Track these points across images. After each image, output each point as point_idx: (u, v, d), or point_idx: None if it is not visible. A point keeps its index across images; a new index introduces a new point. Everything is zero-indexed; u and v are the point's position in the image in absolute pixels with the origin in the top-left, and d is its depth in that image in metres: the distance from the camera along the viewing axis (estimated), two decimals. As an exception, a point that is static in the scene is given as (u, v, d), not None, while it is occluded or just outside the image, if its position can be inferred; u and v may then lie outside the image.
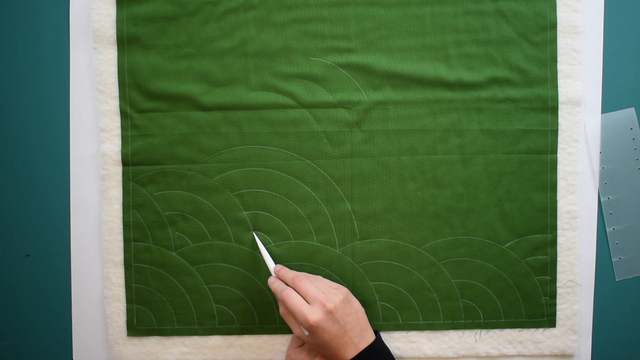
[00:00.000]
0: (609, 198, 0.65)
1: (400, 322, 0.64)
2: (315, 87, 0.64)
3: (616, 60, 0.65)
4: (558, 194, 0.64)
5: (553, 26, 0.63)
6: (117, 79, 0.64)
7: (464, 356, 0.65)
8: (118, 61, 0.64)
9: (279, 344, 0.65)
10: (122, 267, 0.64)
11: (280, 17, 0.63)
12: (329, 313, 0.55)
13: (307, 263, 0.64)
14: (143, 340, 0.65)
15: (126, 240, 0.64)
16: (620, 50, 0.65)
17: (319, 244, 0.64)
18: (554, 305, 0.64)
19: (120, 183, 0.64)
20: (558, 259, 0.64)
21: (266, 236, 0.64)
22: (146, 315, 0.65)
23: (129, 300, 0.64)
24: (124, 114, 0.64)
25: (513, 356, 0.65)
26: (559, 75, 0.64)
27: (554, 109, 0.64)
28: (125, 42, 0.63)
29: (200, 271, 0.64)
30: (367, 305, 0.64)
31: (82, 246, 0.65)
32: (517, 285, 0.64)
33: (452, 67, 0.63)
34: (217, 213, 0.64)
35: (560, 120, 0.64)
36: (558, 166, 0.64)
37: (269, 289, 0.62)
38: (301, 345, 0.61)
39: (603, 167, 0.65)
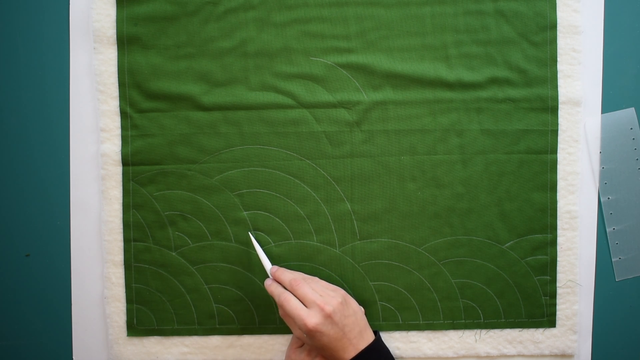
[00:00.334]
0: (609, 198, 0.65)
1: (400, 322, 0.64)
2: (315, 87, 0.64)
3: (616, 60, 0.65)
4: (558, 194, 0.64)
5: (553, 26, 0.63)
6: (117, 79, 0.64)
7: (464, 356, 0.65)
8: (118, 61, 0.64)
9: (279, 344, 0.65)
10: (122, 267, 0.64)
11: (280, 17, 0.63)
12: (328, 317, 0.55)
13: (307, 263, 0.64)
14: (143, 340, 0.65)
15: (126, 240, 0.64)
16: (620, 50, 0.65)
17: (319, 244, 0.64)
18: (554, 305, 0.64)
19: (120, 183, 0.64)
20: (558, 259, 0.64)
21: (266, 236, 0.64)
22: (146, 315, 0.65)
23: (129, 300, 0.64)
24: (124, 114, 0.64)
25: (513, 356, 0.65)
26: (559, 75, 0.64)
27: (554, 109, 0.64)
28: (125, 42, 0.63)
29: (200, 271, 0.64)
30: (367, 305, 0.64)
31: (82, 246, 0.65)
32: (517, 285, 0.64)
33: (452, 67, 0.63)
34: (217, 213, 0.64)
35: (560, 120, 0.64)
36: (558, 166, 0.64)
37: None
38: (301, 346, 0.61)
39: (603, 167, 0.65)
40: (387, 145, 0.64)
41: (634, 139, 0.65)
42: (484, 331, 0.65)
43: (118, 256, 0.64)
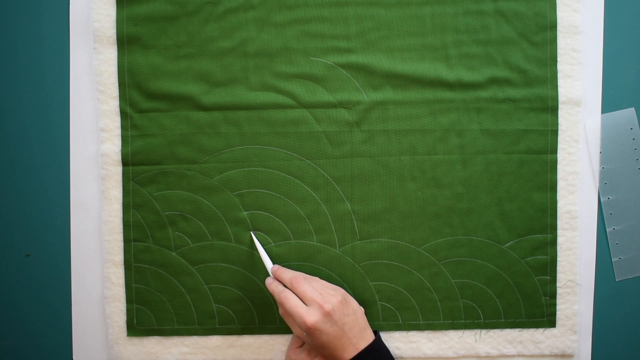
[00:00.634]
0: (609, 198, 0.65)
1: (400, 322, 0.64)
2: (315, 87, 0.64)
3: (616, 60, 0.65)
4: (558, 194, 0.64)
5: (553, 26, 0.63)
6: (117, 79, 0.64)
7: (464, 356, 0.65)
8: (118, 61, 0.64)
9: (279, 344, 0.65)
10: (122, 267, 0.64)
11: (280, 17, 0.63)
12: (327, 315, 0.55)
13: (307, 263, 0.64)
14: (143, 340, 0.65)
15: (126, 240, 0.64)
16: (620, 50, 0.65)
17: (319, 244, 0.64)
18: (554, 305, 0.64)
19: (120, 183, 0.64)
20: (558, 259, 0.64)
21: (266, 236, 0.64)
22: (146, 315, 0.65)
23: (129, 300, 0.64)
24: (124, 114, 0.64)
25: (513, 356, 0.65)
26: (559, 75, 0.64)
27: (554, 109, 0.64)
28: (125, 42, 0.63)
29: (200, 271, 0.64)
30: (367, 305, 0.64)
31: (82, 246, 0.65)
32: (517, 285, 0.64)
33: (452, 67, 0.63)
34: (217, 213, 0.64)
35: (560, 120, 0.64)
36: (558, 166, 0.64)
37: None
38: (301, 346, 0.61)
39: (603, 167, 0.65)
40: (387, 145, 0.64)
41: (634, 139, 0.65)
42: (484, 331, 0.65)
43: (118, 256, 0.64)
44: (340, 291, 0.59)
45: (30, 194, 0.65)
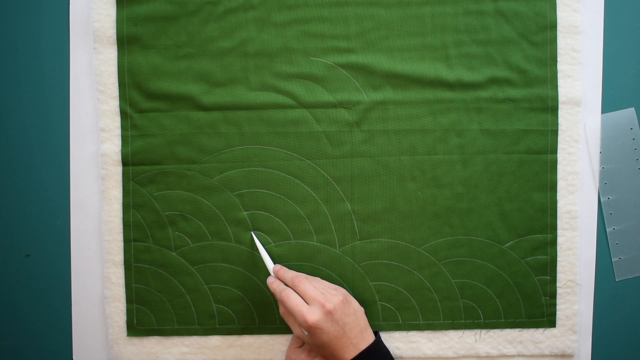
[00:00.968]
0: (609, 198, 0.65)
1: (400, 322, 0.64)
2: (315, 87, 0.64)
3: (616, 60, 0.65)
4: (558, 194, 0.64)
5: (553, 26, 0.63)
6: (117, 79, 0.64)
7: (464, 356, 0.65)
8: (118, 61, 0.64)
9: (279, 344, 0.65)
10: (122, 267, 0.64)
11: (280, 17, 0.63)
12: (328, 314, 0.55)
13: (307, 263, 0.64)
14: (143, 340, 0.65)
15: (126, 240, 0.64)
16: (620, 50, 0.65)
17: (319, 244, 0.64)
18: (554, 305, 0.64)
19: (120, 183, 0.64)
20: (558, 259, 0.64)
21: (266, 236, 0.64)
22: (146, 315, 0.65)
23: (129, 300, 0.64)
24: (124, 114, 0.64)
25: (513, 356, 0.65)
26: (559, 75, 0.64)
27: (554, 109, 0.64)
28: (125, 42, 0.63)
29: (200, 271, 0.64)
30: (367, 305, 0.64)
31: (82, 246, 0.65)
32: (517, 285, 0.64)
33: (452, 67, 0.63)
34: (217, 213, 0.64)
35: (560, 120, 0.64)
36: (558, 166, 0.64)
37: (269, 289, 0.62)
38: (301, 346, 0.61)
39: (603, 167, 0.65)
40: (387, 145, 0.64)
41: (634, 139, 0.65)
42: (484, 331, 0.65)
43: (118, 256, 0.64)
44: (342, 291, 0.59)
45: (30, 194, 0.65)
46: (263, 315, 0.65)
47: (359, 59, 0.63)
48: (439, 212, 0.64)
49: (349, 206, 0.64)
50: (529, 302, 0.64)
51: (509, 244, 0.64)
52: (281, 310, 0.58)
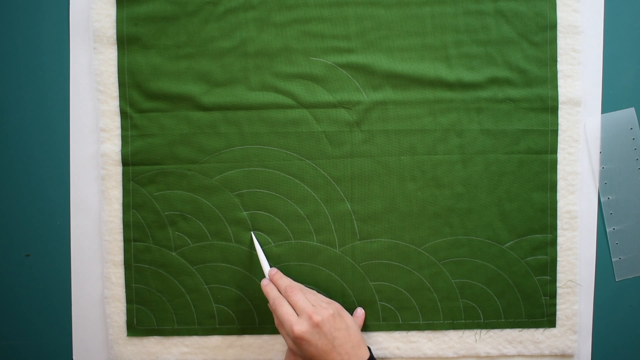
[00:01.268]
0: (609, 198, 0.65)
1: (400, 322, 0.64)
2: (315, 87, 0.64)
3: (616, 60, 0.65)
4: (558, 194, 0.64)
5: (553, 26, 0.63)
6: (117, 79, 0.64)
7: (464, 356, 0.65)
8: (118, 61, 0.64)
9: (279, 344, 0.65)
10: (122, 267, 0.64)
11: (280, 17, 0.63)
12: (315, 326, 0.54)
13: (307, 263, 0.64)
14: (143, 340, 0.65)
15: (126, 240, 0.64)
16: (620, 50, 0.65)
17: (319, 244, 0.64)
18: (554, 305, 0.64)
19: (120, 183, 0.64)
20: (558, 259, 0.64)
21: (266, 236, 0.64)
22: (146, 315, 0.65)
23: (129, 300, 0.64)
24: (124, 114, 0.64)
25: (513, 356, 0.65)
26: (559, 75, 0.64)
27: (554, 109, 0.64)
28: (125, 42, 0.63)
29: (200, 271, 0.64)
30: (367, 305, 0.64)
31: (82, 246, 0.65)
32: (517, 285, 0.64)
33: (452, 67, 0.63)
34: (217, 213, 0.64)
35: (560, 120, 0.64)
36: (558, 166, 0.64)
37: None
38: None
39: (603, 167, 0.65)
40: (387, 145, 0.64)
41: (634, 139, 0.65)
42: (484, 331, 0.65)
43: (118, 256, 0.64)
44: (335, 305, 0.58)
45: (30, 194, 0.65)
46: (263, 315, 0.65)
47: (359, 59, 0.63)
48: (439, 212, 0.64)
49: (349, 206, 0.64)
50: (529, 302, 0.64)
51: (509, 244, 0.64)
52: (276, 321, 0.57)
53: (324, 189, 0.64)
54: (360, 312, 0.63)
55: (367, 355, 0.57)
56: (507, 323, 0.64)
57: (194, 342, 0.65)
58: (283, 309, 0.56)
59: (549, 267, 0.64)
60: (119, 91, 0.64)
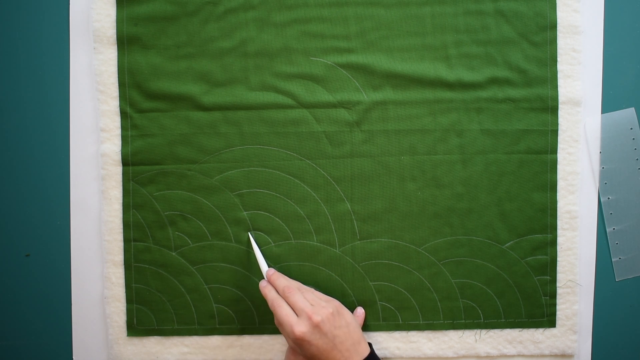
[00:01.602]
0: (609, 198, 0.65)
1: (400, 322, 0.64)
2: (315, 87, 0.64)
3: (616, 60, 0.65)
4: (558, 194, 0.64)
5: (553, 26, 0.63)
6: (117, 79, 0.64)
7: (464, 356, 0.65)
8: (118, 61, 0.64)
9: (279, 344, 0.65)
10: (122, 267, 0.64)
11: (280, 17, 0.63)
12: (316, 326, 0.54)
13: (307, 263, 0.64)
14: (143, 340, 0.65)
15: (126, 240, 0.64)
16: (620, 50, 0.65)
17: (319, 244, 0.64)
18: (554, 305, 0.64)
19: (120, 183, 0.64)
20: (558, 259, 0.64)
21: (266, 236, 0.64)
22: (146, 315, 0.65)
23: (129, 300, 0.64)
24: (124, 114, 0.64)
25: (513, 356, 0.65)
26: (559, 75, 0.64)
27: (554, 109, 0.64)
28: (125, 42, 0.63)
29: (200, 271, 0.64)
30: (367, 305, 0.64)
31: (82, 246, 0.65)
32: (517, 285, 0.64)
33: (452, 67, 0.63)
34: (217, 213, 0.64)
35: (560, 120, 0.64)
36: (558, 166, 0.64)
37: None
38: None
39: (603, 167, 0.65)
40: (387, 145, 0.64)
41: (634, 139, 0.65)
42: (484, 331, 0.65)
43: (118, 256, 0.64)
44: (334, 303, 0.58)
45: (30, 194, 0.65)
46: (263, 315, 0.65)
47: (359, 59, 0.63)
48: (439, 212, 0.64)
49: (349, 206, 0.64)
50: (529, 302, 0.64)
51: (509, 244, 0.64)
52: (276, 321, 0.58)
53: (324, 189, 0.64)
54: (360, 311, 0.63)
55: (368, 351, 0.57)
56: (507, 323, 0.64)
57: (194, 342, 0.65)
58: (282, 310, 0.56)
59: (549, 267, 0.64)
60: (119, 91, 0.64)
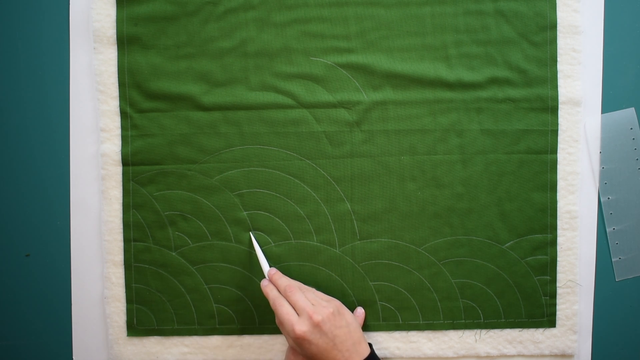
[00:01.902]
0: (609, 198, 0.65)
1: (400, 322, 0.64)
2: (315, 87, 0.64)
3: (616, 60, 0.65)
4: (558, 194, 0.64)
5: (553, 26, 0.63)
6: (117, 79, 0.64)
7: (464, 356, 0.65)
8: (118, 61, 0.64)
9: (279, 344, 0.65)
10: (122, 267, 0.64)
11: (280, 17, 0.63)
12: (316, 326, 0.55)
13: (307, 263, 0.64)
14: (143, 340, 0.65)
15: (126, 240, 0.64)
16: (620, 50, 0.65)
17: (319, 244, 0.64)
18: (554, 305, 0.64)
19: (120, 183, 0.64)
20: (558, 259, 0.64)
21: (266, 236, 0.64)
22: (146, 315, 0.65)
23: (129, 300, 0.64)
24: (124, 114, 0.64)
25: (513, 356, 0.65)
26: (559, 75, 0.64)
27: (554, 109, 0.64)
28: (125, 42, 0.63)
29: (200, 271, 0.64)
30: (367, 305, 0.64)
31: (82, 246, 0.65)
32: (517, 285, 0.64)
33: (452, 67, 0.63)
34: (217, 213, 0.64)
35: (560, 120, 0.64)
36: (558, 166, 0.64)
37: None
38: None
39: (603, 167, 0.65)
40: (387, 145, 0.64)
41: (634, 139, 0.65)
42: (484, 331, 0.65)
43: (118, 256, 0.64)
44: (335, 302, 0.58)
45: (30, 194, 0.65)
46: (263, 315, 0.65)
47: (359, 59, 0.63)
48: (439, 212, 0.64)
49: (349, 206, 0.64)
50: (529, 302, 0.64)
51: (509, 244, 0.64)
52: (277, 320, 0.58)
53: (324, 189, 0.64)
54: (360, 311, 0.63)
55: (368, 351, 0.57)
56: (507, 323, 0.64)
57: (194, 342, 0.65)
58: (283, 309, 0.56)
59: (549, 267, 0.64)
60: (119, 91, 0.64)
